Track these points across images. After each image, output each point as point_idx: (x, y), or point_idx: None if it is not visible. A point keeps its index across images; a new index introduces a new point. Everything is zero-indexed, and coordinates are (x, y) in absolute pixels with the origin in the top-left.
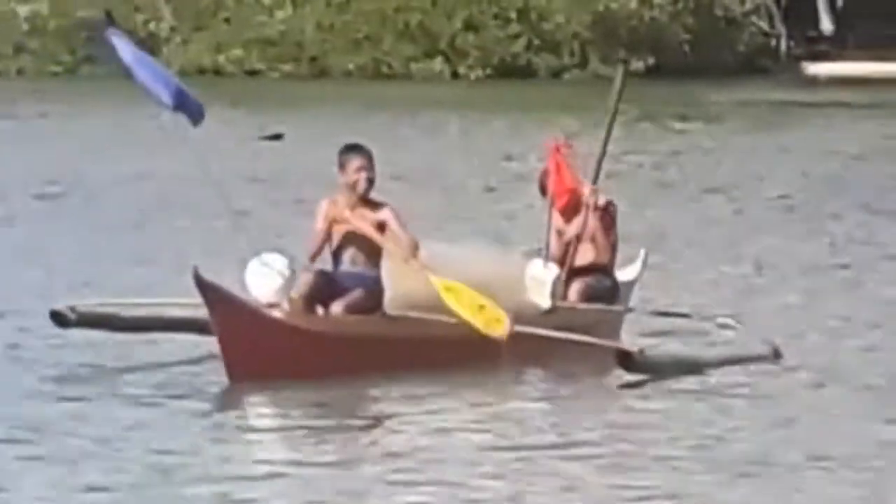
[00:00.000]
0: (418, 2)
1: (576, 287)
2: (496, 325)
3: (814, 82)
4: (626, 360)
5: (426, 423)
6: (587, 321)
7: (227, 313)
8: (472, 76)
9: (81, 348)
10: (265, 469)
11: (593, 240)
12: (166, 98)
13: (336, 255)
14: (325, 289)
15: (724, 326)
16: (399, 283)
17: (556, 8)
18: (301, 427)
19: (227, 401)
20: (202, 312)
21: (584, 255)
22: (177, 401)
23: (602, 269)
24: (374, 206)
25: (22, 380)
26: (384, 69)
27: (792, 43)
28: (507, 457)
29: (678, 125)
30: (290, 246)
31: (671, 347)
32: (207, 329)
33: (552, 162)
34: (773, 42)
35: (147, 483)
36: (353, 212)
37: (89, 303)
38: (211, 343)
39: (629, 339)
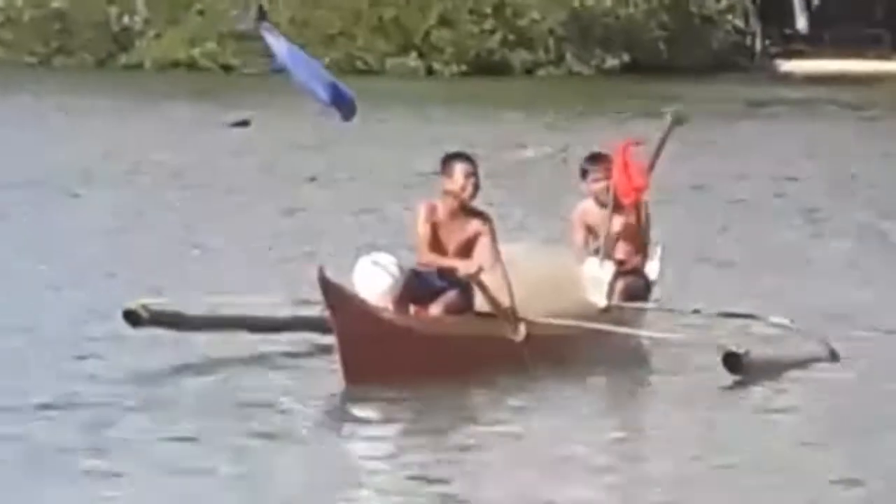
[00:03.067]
0: None
1: (619, 286)
2: None
3: (787, 79)
4: (733, 360)
5: (532, 427)
6: (635, 319)
7: (348, 316)
8: (447, 72)
9: (162, 348)
10: (363, 475)
11: (633, 239)
12: (322, 93)
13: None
14: (418, 289)
15: (779, 326)
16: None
17: (531, 4)
18: (405, 428)
19: (324, 401)
20: (277, 311)
21: (625, 254)
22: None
23: (639, 268)
24: (475, 214)
25: (98, 382)
26: (359, 65)
27: (767, 41)
28: (600, 461)
29: (656, 122)
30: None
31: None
32: (282, 327)
33: (619, 160)
34: (748, 40)
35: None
36: (452, 219)
37: (161, 301)
38: (286, 341)
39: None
